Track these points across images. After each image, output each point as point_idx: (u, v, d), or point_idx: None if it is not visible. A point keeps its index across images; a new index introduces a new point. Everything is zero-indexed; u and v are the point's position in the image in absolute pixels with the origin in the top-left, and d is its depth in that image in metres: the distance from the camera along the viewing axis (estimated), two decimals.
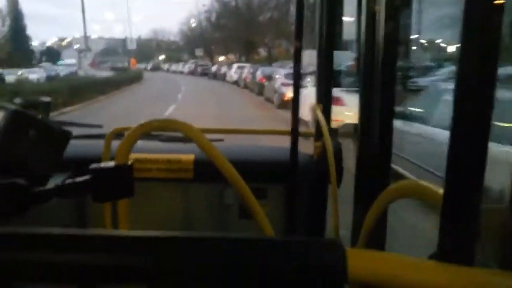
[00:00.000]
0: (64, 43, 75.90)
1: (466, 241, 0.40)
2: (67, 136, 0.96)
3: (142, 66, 57.22)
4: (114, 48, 65.13)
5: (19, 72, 22.79)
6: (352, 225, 0.90)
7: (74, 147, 1.01)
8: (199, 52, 46.61)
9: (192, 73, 38.89)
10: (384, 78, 0.83)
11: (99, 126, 1.63)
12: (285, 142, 1.45)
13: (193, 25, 49.73)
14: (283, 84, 12.20)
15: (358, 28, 0.95)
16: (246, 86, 20.62)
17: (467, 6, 0.36)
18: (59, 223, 1.30)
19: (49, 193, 0.79)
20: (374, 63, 0.85)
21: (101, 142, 1.32)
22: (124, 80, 24.46)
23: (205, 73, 34.62)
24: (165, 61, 61.42)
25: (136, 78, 28.73)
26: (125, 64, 41.30)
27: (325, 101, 1.43)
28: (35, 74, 22.92)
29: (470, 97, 0.38)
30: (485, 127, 0.37)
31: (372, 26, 0.84)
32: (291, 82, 1.46)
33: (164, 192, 1.46)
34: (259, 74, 17.62)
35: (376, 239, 0.74)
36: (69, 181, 0.79)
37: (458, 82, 0.38)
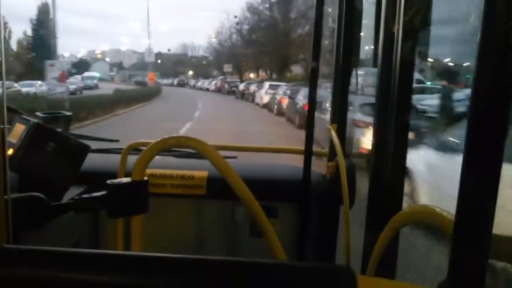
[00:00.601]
0: (97, 55, 75.89)
1: (478, 269, 0.40)
2: (85, 149, 1.08)
3: (168, 81, 57.32)
4: (143, 62, 65.04)
5: (37, 84, 22.02)
6: (364, 248, 0.93)
7: (91, 160, 1.12)
8: (228, 68, 43.03)
9: (219, 90, 36.03)
10: (400, 100, 0.87)
11: (116, 141, 1.67)
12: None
13: (223, 38, 46.22)
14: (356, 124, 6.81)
15: (375, 48, 1.01)
16: (281, 113, 15.52)
17: (484, 24, 0.37)
18: (72, 236, 1.34)
19: (66, 207, 0.85)
20: (391, 84, 0.89)
21: (117, 157, 1.40)
22: (131, 98, 20.61)
23: (232, 91, 31.46)
24: (193, 76, 59.07)
25: (149, 95, 25.57)
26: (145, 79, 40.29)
27: (340, 121, 1.46)
28: (43, 87, 20.54)
29: (482, 128, 0.39)
30: (498, 155, 0.38)
31: (390, 46, 0.88)
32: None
33: (177, 208, 1.49)
34: (301, 98, 12.31)
35: (387, 264, 0.76)
36: (86, 195, 0.85)
37: (471, 114, 0.39)
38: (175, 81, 56.84)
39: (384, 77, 0.96)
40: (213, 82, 40.70)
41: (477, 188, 0.39)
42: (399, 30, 0.91)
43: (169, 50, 66.21)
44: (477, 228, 0.39)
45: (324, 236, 1.50)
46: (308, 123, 1.44)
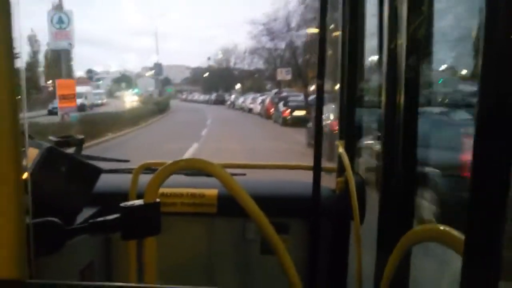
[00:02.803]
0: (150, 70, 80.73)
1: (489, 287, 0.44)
2: (97, 172, 1.23)
3: (205, 97, 55.96)
4: (195, 77, 65.65)
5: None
6: (375, 266, 1.07)
7: (102, 181, 1.27)
8: (284, 74, 28.80)
9: (267, 115, 23.37)
10: (407, 118, 1.00)
11: (126, 161, 1.87)
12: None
13: (277, 27, 30.01)
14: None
15: (379, 65, 1.21)
16: None
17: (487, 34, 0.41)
18: (86, 257, 1.51)
19: (81, 230, 0.95)
20: (396, 104, 1.02)
21: (128, 176, 1.60)
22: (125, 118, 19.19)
23: (297, 120, 17.46)
24: (244, 91, 52.67)
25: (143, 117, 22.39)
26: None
27: (348, 137, 1.64)
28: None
29: (489, 153, 0.43)
30: (506, 175, 0.42)
31: (394, 62, 1.04)
32: None
33: (188, 226, 1.67)
34: None
35: (400, 283, 0.84)
36: (100, 219, 0.93)
37: (476, 141, 0.43)
38: (213, 96, 53.75)
39: (390, 96, 1.12)
40: (260, 99, 27.84)
41: (487, 208, 0.43)
42: (402, 45, 1.07)
43: (209, 58, 63.38)
44: (488, 248, 0.43)
45: (335, 252, 1.64)
46: (316, 139, 1.59)
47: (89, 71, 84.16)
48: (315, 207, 1.59)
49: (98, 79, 75.46)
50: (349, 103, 1.62)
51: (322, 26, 1.52)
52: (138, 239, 1.26)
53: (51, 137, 1.28)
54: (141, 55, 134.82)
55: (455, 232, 0.59)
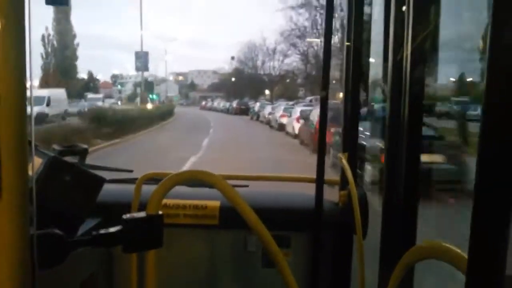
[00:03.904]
0: (178, 76, 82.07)
1: None
2: (101, 182, 1.28)
3: (226, 105, 50.75)
4: (222, 83, 64.25)
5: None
6: (378, 282, 1.13)
7: (105, 191, 1.33)
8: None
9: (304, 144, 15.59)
10: (411, 133, 1.07)
11: (130, 171, 1.98)
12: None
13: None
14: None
15: (384, 74, 1.28)
16: None
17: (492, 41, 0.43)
18: (88, 269, 1.59)
19: (83, 243, 1.01)
20: (401, 119, 1.09)
21: (131, 187, 1.69)
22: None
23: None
24: (273, 98, 48.49)
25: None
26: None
27: (351, 149, 1.71)
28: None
29: (494, 177, 0.45)
30: (508, 199, 0.43)
31: (399, 71, 1.10)
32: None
33: (189, 238, 1.76)
34: None
35: None
36: (102, 231, 0.98)
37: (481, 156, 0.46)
38: (234, 104, 45.94)
39: (395, 109, 1.20)
40: (298, 110, 19.05)
41: (490, 226, 0.45)
42: (407, 56, 1.14)
43: (232, 58, 58.53)
44: (491, 266, 0.45)
45: (338, 266, 1.71)
46: (319, 151, 1.67)
47: (114, 76, 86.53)
48: (318, 220, 1.66)
49: (121, 84, 77.46)
50: (353, 116, 1.70)
51: (327, 38, 1.60)
52: (140, 251, 1.32)
53: (55, 146, 1.35)
54: (172, 60, 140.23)
55: (459, 251, 0.63)
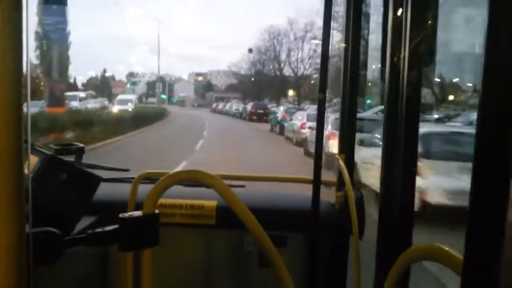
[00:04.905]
0: (197, 77, 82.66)
1: None
2: (97, 181, 1.33)
3: (238, 107, 44.30)
4: (240, 83, 61.12)
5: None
6: (374, 283, 1.24)
7: (101, 190, 1.39)
8: None
9: None
10: (407, 139, 1.17)
11: (126, 170, 2.05)
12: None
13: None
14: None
15: (382, 77, 1.36)
16: None
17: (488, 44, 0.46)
18: (83, 267, 1.68)
19: (79, 241, 1.05)
20: (398, 120, 1.19)
21: (127, 186, 1.80)
22: None
23: None
24: (299, 99, 44.52)
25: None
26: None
27: (348, 151, 1.81)
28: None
29: (487, 185, 0.47)
30: (503, 202, 0.45)
31: (396, 74, 1.21)
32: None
33: (186, 237, 1.86)
34: None
35: None
36: (98, 230, 1.03)
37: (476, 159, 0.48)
38: (249, 107, 38.21)
39: (391, 114, 1.29)
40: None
41: (485, 228, 0.47)
42: (405, 59, 1.24)
43: (250, 50, 50.68)
44: (487, 268, 0.47)
45: (334, 267, 1.81)
46: (316, 152, 1.75)
47: (130, 74, 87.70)
48: (314, 221, 1.74)
49: (134, 83, 78.46)
50: (350, 117, 1.80)
51: (325, 42, 1.67)
52: (135, 250, 1.40)
53: (51, 145, 1.42)
54: (192, 61, 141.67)
55: (454, 252, 0.66)
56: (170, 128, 27.08)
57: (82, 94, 38.74)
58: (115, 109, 29.01)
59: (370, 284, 1.30)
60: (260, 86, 51.54)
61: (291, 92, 48.51)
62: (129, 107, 30.59)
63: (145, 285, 1.38)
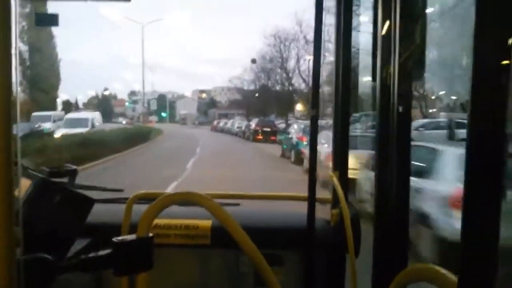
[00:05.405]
0: (201, 94, 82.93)
1: None
2: (90, 203, 1.31)
3: (240, 125, 40.11)
4: (245, 99, 58.03)
5: None
6: None
7: (95, 211, 1.36)
8: None
9: None
10: (400, 152, 1.22)
11: (121, 190, 2.12)
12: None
13: None
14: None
15: (373, 93, 1.42)
16: None
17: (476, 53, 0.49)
18: None
19: (72, 267, 1.07)
20: (389, 138, 1.25)
21: (121, 207, 1.82)
22: None
23: None
24: (309, 114, 37.33)
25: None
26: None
27: (342, 168, 1.85)
28: None
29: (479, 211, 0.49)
30: (495, 224, 0.48)
31: (387, 89, 1.26)
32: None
33: (181, 258, 1.90)
34: None
35: None
36: (92, 255, 1.06)
37: (468, 162, 0.52)
38: (253, 124, 34.12)
39: (384, 126, 1.33)
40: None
41: (479, 251, 0.49)
42: (395, 71, 1.28)
43: (253, 61, 45.11)
44: None
45: (330, 285, 1.84)
46: (310, 169, 1.78)
47: (132, 93, 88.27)
48: (310, 238, 1.77)
49: (134, 101, 78.93)
50: (343, 134, 1.84)
51: (317, 57, 1.70)
52: (130, 274, 1.38)
53: (44, 168, 1.45)
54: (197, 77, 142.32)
55: (448, 273, 0.68)
56: (148, 155, 21.40)
57: (58, 113, 31.24)
58: (60, 133, 22.57)
59: None
60: (264, 101, 47.88)
61: (299, 107, 43.63)
62: (84, 129, 23.59)
63: None
